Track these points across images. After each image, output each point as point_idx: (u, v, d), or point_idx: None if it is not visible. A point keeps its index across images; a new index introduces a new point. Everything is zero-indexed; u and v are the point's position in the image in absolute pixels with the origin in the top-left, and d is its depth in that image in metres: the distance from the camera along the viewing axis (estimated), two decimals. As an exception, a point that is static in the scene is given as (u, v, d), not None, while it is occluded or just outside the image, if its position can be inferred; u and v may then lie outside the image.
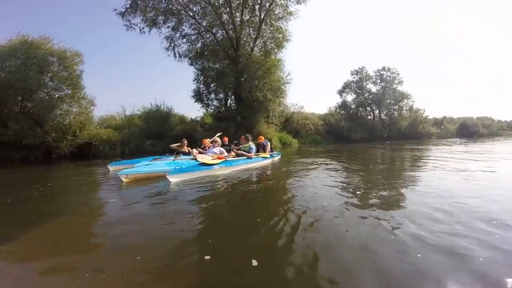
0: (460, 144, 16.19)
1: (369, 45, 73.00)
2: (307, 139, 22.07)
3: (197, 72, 17.82)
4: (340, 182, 4.51)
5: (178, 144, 7.72)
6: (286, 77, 15.19)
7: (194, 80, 18.11)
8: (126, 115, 15.91)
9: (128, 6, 13.33)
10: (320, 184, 4.17)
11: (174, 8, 13.28)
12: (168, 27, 14.18)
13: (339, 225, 2.33)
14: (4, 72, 11.12)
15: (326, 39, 65.68)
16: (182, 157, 6.70)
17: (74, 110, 12.40)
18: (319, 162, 7.66)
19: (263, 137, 8.74)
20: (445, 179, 4.37)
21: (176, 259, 1.82)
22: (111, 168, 6.62)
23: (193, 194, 3.74)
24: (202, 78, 17.88)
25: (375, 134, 26.49)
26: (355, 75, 29.63)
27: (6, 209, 3.36)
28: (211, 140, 7.52)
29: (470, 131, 32.17)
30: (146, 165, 5.56)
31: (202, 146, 7.24)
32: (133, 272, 1.64)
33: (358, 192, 3.57)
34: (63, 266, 1.79)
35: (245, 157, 6.71)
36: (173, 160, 6.24)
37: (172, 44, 15.17)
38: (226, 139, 8.10)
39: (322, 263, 1.70)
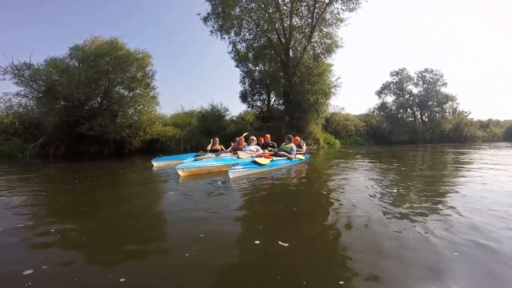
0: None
1: (408, 44, 70.36)
2: (348, 140, 22.23)
3: (242, 74, 18.97)
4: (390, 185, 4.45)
5: (211, 143, 8.14)
6: (336, 80, 15.67)
7: (240, 82, 19.26)
8: (185, 113, 17.26)
9: (210, 12, 14.79)
10: (367, 185, 4.20)
11: (241, 14, 14.32)
12: (234, 32, 15.34)
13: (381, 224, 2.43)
14: (88, 71, 12.52)
15: (365, 39, 64.23)
16: (222, 154, 7.09)
17: (146, 108, 13.76)
18: (366, 163, 7.85)
19: (299, 138, 8.86)
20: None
21: (232, 241, 2.10)
22: (155, 163, 6.86)
23: (248, 188, 4.06)
24: (247, 80, 19.02)
25: (417, 136, 25.89)
26: (395, 76, 29.11)
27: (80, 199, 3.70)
28: (239, 138, 7.76)
29: (519, 134, 30.25)
30: (193, 161, 5.92)
31: (236, 143, 7.60)
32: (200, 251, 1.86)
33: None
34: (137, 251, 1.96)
35: (286, 158, 6.79)
36: (216, 157, 6.56)
37: (234, 48, 16.39)
38: (261, 139, 8.32)
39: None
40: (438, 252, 1.84)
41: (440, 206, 2.97)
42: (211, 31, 15.40)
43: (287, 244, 1.98)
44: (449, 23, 71.76)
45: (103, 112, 12.93)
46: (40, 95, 12.41)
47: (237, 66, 18.78)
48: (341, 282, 1.52)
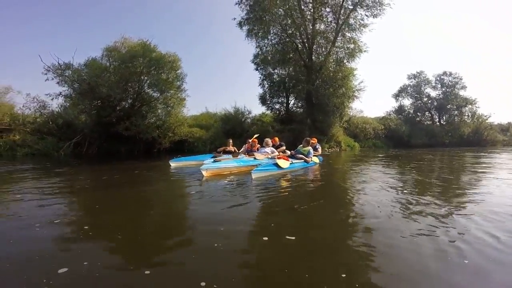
0: None
1: (426, 47, 69.46)
2: (366, 143, 22.23)
3: (262, 77, 19.30)
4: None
5: (226, 146, 8.35)
6: (359, 84, 15.85)
7: (259, 85, 19.58)
8: (209, 115, 17.68)
9: (246, 17, 15.47)
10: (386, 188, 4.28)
11: (271, 19, 14.74)
12: (262, 36, 15.85)
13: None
14: (124, 72, 13.03)
15: (381, 41, 63.82)
16: (239, 156, 7.22)
17: (175, 110, 14.20)
18: (384, 166, 7.93)
19: (316, 140, 8.95)
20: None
21: (246, 237, 2.25)
22: (173, 164, 7.06)
23: (266, 189, 4.22)
24: (266, 82, 19.30)
25: (435, 140, 25.63)
26: (412, 79, 28.98)
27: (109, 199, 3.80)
28: (251, 140, 7.93)
29: (540, 138, 29.51)
30: (214, 161, 6.05)
31: (249, 144, 7.76)
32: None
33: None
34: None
35: (303, 161, 6.89)
36: (234, 158, 6.68)
37: (260, 52, 16.86)
38: (276, 139, 8.38)
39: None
40: (444, 257, 1.83)
41: (453, 210, 3.01)
42: (247, 35, 16.06)
43: (293, 238, 2.16)
44: (468, 24, 70.54)
45: (135, 113, 13.40)
46: (77, 95, 12.92)
47: (256, 69, 19.28)
48: (344, 275, 1.61)
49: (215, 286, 1.47)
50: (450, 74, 28.04)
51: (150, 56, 12.74)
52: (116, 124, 12.98)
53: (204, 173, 5.35)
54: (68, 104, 14.14)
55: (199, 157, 7.62)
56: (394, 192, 4.01)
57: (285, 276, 1.61)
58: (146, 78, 13.21)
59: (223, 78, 53.69)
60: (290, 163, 6.25)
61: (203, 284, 1.48)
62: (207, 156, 7.44)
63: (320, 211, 3.10)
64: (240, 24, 15.77)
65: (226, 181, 4.95)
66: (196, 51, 51.48)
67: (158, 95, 13.86)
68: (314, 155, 7.64)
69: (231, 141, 8.55)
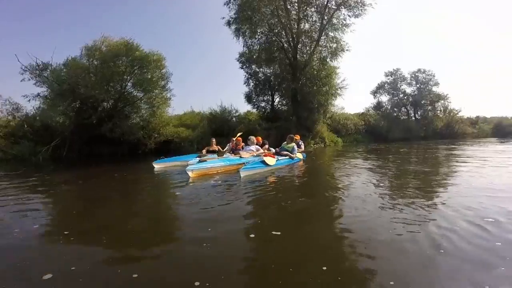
0: (497, 144, 16.43)
1: (403, 44, 72.40)
2: (348, 138, 22.94)
3: (247, 75, 19.39)
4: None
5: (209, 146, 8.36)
6: (341, 82, 16.43)
7: (244, 83, 19.61)
8: (194, 114, 17.49)
9: (234, 16, 15.66)
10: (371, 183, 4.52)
11: (259, 19, 14.89)
12: (250, 35, 15.91)
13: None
14: (105, 71, 12.56)
15: (360, 39, 65.59)
16: (225, 155, 7.28)
17: (160, 110, 13.92)
18: (366, 159, 8.56)
19: (299, 136, 9.21)
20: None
21: (236, 234, 2.34)
22: (156, 165, 6.86)
23: (254, 187, 4.34)
24: (251, 81, 19.40)
25: (411, 134, 26.93)
26: (389, 76, 30.18)
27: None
28: (235, 138, 7.98)
29: (506, 131, 31.90)
30: (199, 162, 6.00)
31: (234, 143, 7.80)
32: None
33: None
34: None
35: (288, 157, 7.08)
36: (220, 158, 6.73)
37: (247, 50, 17.05)
38: (259, 139, 8.31)
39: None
40: (424, 247, 1.94)
41: (430, 200, 3.29)
42: (235, 35, 16.22)
43: (279, 233, 2.28)
44: (441, 22, 74.23)
45: (117, 114, 13.00)
46: (56, 96, 12.31)
47: (241, 67, 19.34)
48: (324, 268, 1.68)
49: (207, 284, 1.50)
50: (424, 71, 29.56)
51: (134, 55, 12.40)
52: (98, 125, 12.53)
53: (190, 174, 5.26)
54: (45, 106, 13.44)
55: (183, 157, 7.47)
56: (375, 185, 4.29)
57: (270, 271, 1.70)
58: (129, 77, 12.84)
59: (207, 77, 52.87)
60: (277, 160, 6.41)
61: (197, 283, 1.51)
62: (191, 157, 7.33)
63: (305, 206, 3.24)
64: (229, 23, 15.89)
65: (213, 181, 4.94)
66: (179, 50, 50.31)
67: (142, 95, 13.52)
68: (298, 152, 7.83)
69: (214, 140, 8.48)
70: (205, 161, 6.10)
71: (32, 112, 14.18)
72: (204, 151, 7.94)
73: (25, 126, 13.84)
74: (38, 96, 12.36)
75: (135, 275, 1.62)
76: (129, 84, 13.27)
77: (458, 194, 3.53)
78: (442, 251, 1.88)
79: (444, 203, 3.06)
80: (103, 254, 2.01)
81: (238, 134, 8.44)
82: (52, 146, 12.83)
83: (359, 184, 4.41)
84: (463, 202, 3.05)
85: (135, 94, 13.65)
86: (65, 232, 2.40)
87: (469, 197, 3.31)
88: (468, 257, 1.79)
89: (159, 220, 2.92)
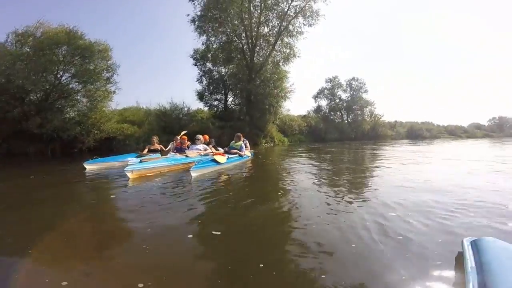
0: (411, 145, 20.09)
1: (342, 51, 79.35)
2: (293, 138, 24.48)
3: (200, 73, 19.20)
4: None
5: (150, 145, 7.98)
6: (291, 86, 17.55)
7: (197, 81, 19.33)
8: (142, 110, 16.17)
9: (199, 14, 15.65)
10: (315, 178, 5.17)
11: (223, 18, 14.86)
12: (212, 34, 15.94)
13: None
14: (38, 60, 10.82)
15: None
16: (169, 154, 7.06)
17: (102, 104, 12.52)
18: (308, 157, 9.80)
19: (242, 135, 9.87)
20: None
21: (177, 236, 2.30)
22: (88, 166, 6.25)
23: (200, 186, 4.33)
24: (205, 79, 19.23)
25: (344, 135, 30.21)
26: (329, 83, 33.23)
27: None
28: (180, 137, 7.80)
29: (416, 133, 38.50)
30: (141, 162, 5.62)
31: (179, 142, 7.59)
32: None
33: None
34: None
35: (237, 155, 7.23)
36: (164, 157, 6.43)
37: (207, 48, 16.99)
38: (206, 137, 8.23)
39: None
40: (362, 240, 2.13)
41: (358, 194, 3.83)
42: (199, 33, 16.24)
43: (219, 233, 2.33)
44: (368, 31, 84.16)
45: (49, 107, 11.19)
46: None
47: (195, 64, 19.09)
48: (261, 265, 1.74)
49: (149, 284, 1.53)
50: (357, 79, 33.47)
51: (76, 44, 10.85)
52: (23, 119, 10.59)
53: (129, 174, 4.80)
54: None
55: (120, 157, 6.93)
56: (315, 182, 4.80)
57: (209, 269, 1.79)
58: (67, 67, 11.17)
59: (151, 71, 49.03)
60: (227, 158, 6.40)
61: (141, 285, 1.51)
62: (130, 156, 6.91)
63: (249, 205, 3.30)
64: (194, 21, 15.74)
65: (156, 182, 4.67)
66: (123, 40, 45.34)
67: (80, 87, 11.92)
68: (247, 151, 8.01)
69: (155, 138, 7.92)
70: (147, 161, 5.67)
71: None
72: (145, 151, 7.43)
73: None
74: None
75: (64, 283, 1.54)
76: (66, 74, 11.58)
77: (378, 188, 4.30)
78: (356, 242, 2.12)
79: (368, 198, 3.58)
80: (32, 260, 1.88)
81: (183, 133, 8.14)
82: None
83: (302, 181, 4.81)
84: (382, 196, 3.59)
85: (72, 86, 11.95)
86: None
87: (387, 192, 3.89)
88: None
89: (93, 225, 2.75)
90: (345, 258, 1.88)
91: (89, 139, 12.05)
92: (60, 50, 11.14)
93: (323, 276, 1.63)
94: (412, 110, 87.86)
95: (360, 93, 33.30)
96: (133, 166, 5.06)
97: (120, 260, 1.87)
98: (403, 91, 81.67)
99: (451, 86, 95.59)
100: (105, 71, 12.11)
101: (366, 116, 34.54)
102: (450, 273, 1.63)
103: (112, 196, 3.81)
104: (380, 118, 34.65)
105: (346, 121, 33.73)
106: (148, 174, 5.20)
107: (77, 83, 12.05)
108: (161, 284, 1.56)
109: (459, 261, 1.67)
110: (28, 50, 11.04)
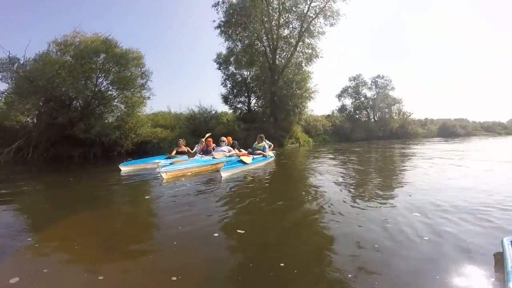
0: (446, 143, 19.28)
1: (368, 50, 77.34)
2: (318, 138, 24.33)
3: (224, 76, 19.73)
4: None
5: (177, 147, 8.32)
6: (314, 86, 17.61)
7: (221, 84, 19.90)
8: (172, 114, 17.08)
9: (225, 20, 16.10)
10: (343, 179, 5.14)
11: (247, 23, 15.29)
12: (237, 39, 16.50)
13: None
14: (80, 68, 11.73)
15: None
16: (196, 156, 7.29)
17: (138, 109, 13.42)
18: (334, 157, 9.74)
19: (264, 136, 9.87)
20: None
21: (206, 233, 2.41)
22: (123, 168, 6.61)
23: (228, 187, 4.57)
24: (229, 82, 19.74)
25: (371, 134, 29.43)
26: (353, 81, 32.59)
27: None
28: (205, 139, 8.00)
29: (449, 131, 36.56)
30: (171, 163, 5.88)
31: (204, 144, 7.80)
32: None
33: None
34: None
35: (261, 156, 7.40)
36: (192, 159, 6.69)
37: (231, 52, 17.48)
38: (229, 139, 8.58)
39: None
40: (381, 240, 2.12)
41: (393, 194, 3.79)
42: (225, 38, 16.77)
43: (243, 231, 2.42)
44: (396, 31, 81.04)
45: (91, 113, 12.25)
46: (24, 93, 11.19)
47: (218, 68, 19.69)
48: (282, 264, 1.78)
49: (180, 277, 1.66)
50: (383, 77, 32.53)
51: (113, 52, 11.80)
52: (69, 126, 11.70)
53: (163, 175, 5.11)
54: (3, 104, 12.12)
55: (151, 159, 7.35)
56: (342, 183, 4.74)
57: (231, 266, 1.86)
58: (106, 75, 12.18)
59: (184, 76, 50.88)
60: (252, 159, 6.64)
61: (174, 278, 1.64)
62: (159, 158, 7.28)
63: (274, 205, 3.40)
64: (219, 27, 16.18)
65: (187, 183, 4.92)
66: (158, 49, 47.80)
67: (119, 93, 12.92)
68: (269, 152, 8.10)
69: (181, 141, 8.38)
70: (178, 162, 6.04)
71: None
72: (173, 153, 7.85)
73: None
74: (7, 93, 11.11)
75: (101, 277, 1.69)
76: (106, 82, 12.59)
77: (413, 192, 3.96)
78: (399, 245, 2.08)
79: (399, 201, 3.40)
80: (73, 259, 2.02)
81: (207, 135, 8.47)
82: (14, 147, 11.66)
83: (327, 181, 4.83)
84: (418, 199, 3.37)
85: (110, 92, 12.97)
86: (28, 239, 2.39)
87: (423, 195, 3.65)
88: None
89: (130, 223, 2.94)
90: (371, 258, 1.86)
91: (127, 143, 12.93)
92: (98, 58, 11.97)
93: (349, 276, 1.64)
94: (443, 107, 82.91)
95: (387, 91, 32.35)
96: (166, 167, 5.38)
97: (152, 256, 2.01)
98: (433, 87, 77.46)
99: (484, 80, 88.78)
100: (139, 78, 12.94)
101: (394, 114, 33.49)
102: (490, 273, 1.62)
103: (146, 197, 4.14)
104: (409, 115, 33.44)
105: (372, 120, 32.87)
106: (179, 175, 5.51)
107: (114, 90, 12.98)
108: (192, 278, 1.68)
109: (499, 261, 1.64)
110: (70, 58, 11.93)
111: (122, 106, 13.22)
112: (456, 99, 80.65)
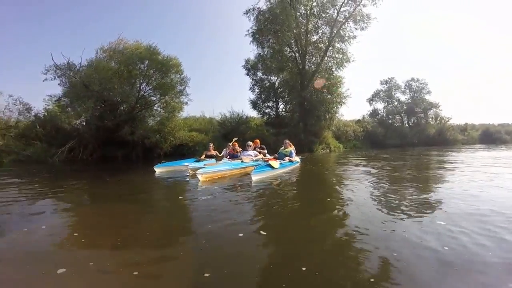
0: (489, 150, 17.86)
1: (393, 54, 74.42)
2: (348, 144, 23.81)
3: (252, 82, 20.20)
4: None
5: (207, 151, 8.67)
6: (346, 91, 17.37)
7: (250, 90, 20.39)
8: (206, 119, 17.90)
9: (257, 28, 16.68)
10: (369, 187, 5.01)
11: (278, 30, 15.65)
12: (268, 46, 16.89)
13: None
14: (126, 74, 12.77)
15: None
16: (224, 159, 7.69)
17: (176, 114, 14.29)
18: (363, 164, 9.33)
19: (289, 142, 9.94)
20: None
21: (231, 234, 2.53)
22: (157, 169, 7.10)
23: (263, 188, 4.82)
24: (257, 88, 20.17)
25: (405, 140, 28.10)
26: (384, 85, 31.46)
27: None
28: (232, 144, 8.35)
29: (493, 137, 33.73)
30: (205, 166, 6.28)
31: (232, 148, 8.09)
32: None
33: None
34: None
35: (288, 161, 7.52)
36: (222, 162, 7.11)
37: (261, 58, 17.87)
38: (257, 141, 8.86)
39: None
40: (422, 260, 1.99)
41: (425, 206, 3.52)
42: (257, 46, 17.32)
43: (265, 233, 2.53)
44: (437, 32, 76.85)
45: (135, 117, 13.26)
46: (78, 97, 12.43)
47: (247, 74, 20.27)
48: (304, 268, 1.80)
49: (210, 274, 1.76)
50: (417, 80, 30.95)
51: (156, 60, 12.71)
52: (115, 128, 12.75)
53: (199, 177, 5.44)
54: (57, 107, 13.52)
55: (182, 161, 7.85)
56: (374, 190, 4.69)
57: (252, 266, 1.92)
58: (150, 81, 13.13)
59: (215, 81, 52.42)
60: (280, 164, 6.79)
61: (207, 275, 1.75)
62: (189, 161, 7.64)
63: (298, 208, 3.55)
64: (253, 35, 16.70)
65: (218, 185, 5.19)
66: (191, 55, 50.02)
67: (160, 98, 13.83)
68: (294, 157, 8.12)
69: (211, 145, 8.72)
70: (212, 165, 6.38)
71: (44, 114, 14.23)
72: (203, 156, 8.25)
73: (37, 127, 13.86)
74: (64, 97, 12.41)
75: (135, 272, 1.80)
76: (148, 87, 13.54)
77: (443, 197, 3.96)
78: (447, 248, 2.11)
79: (434, 207, 3.41)
80: (116, 254, 2.15)
81: (234, 139, 8.76)
82: (67, 148, 12.92)
83: (355, 188, 4.79)
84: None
85: (152, 97, 13.93)
86: (75, 234, 2.60)
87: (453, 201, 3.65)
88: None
89: (168, 224, 3.10)
90: (396, 270, 1.83)
91: (166, 145, 13.80)
92: (142, 65, 12.98)
93: (372, 280, 1.67)
94: (485, 111, 75.83)
95: (422, 95, 30.75)
96: (204, 170, 5.77)
97: (183, 253, 2.15)
98: (475, 91, 71.78)
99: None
100: (178, 84, 13.77)
101: (430, 119, 31.74)
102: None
103: (180, 197, 4.41)
104: (448, 121, 31.44)
105: (406, 125, 31.44)
106: (214, 177, 5.85)
107: (156, 95, 13.94)
108: (222, 274, 1.77)
109: None
110: (115, 64, 13.03)
111: (162, 111, 14.09)
112: (499, 102, 73.70)
